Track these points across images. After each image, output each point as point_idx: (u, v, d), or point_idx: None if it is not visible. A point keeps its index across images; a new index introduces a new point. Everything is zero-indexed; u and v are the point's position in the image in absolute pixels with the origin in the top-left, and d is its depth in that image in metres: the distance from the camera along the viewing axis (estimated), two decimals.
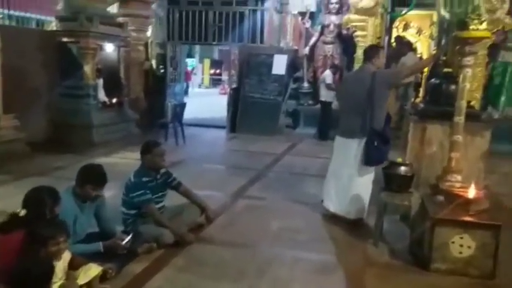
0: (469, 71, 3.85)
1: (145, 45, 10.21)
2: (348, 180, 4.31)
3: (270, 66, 9.97)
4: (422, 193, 4.02)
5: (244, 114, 9.91)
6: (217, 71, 25.60)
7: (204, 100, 17.06)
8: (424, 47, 13.87)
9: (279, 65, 9.90)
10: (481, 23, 3.65)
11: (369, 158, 4.16)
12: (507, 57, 8.79)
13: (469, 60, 3.81)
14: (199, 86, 25.67)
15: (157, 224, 3.74)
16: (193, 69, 25.40)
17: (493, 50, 8.46)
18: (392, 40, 11.04)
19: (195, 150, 8.01)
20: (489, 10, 4.49)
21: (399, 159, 3.99)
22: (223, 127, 10.09)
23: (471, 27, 3.66)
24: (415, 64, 4.31)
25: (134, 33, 9.49)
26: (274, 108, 9.82)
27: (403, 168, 3.88)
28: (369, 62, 4.33)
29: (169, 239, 3.66)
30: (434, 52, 4.69)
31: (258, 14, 10.80)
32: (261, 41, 10.92)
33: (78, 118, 7.68)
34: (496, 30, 7.66)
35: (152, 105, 9.76)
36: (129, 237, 3.40)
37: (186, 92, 16.63)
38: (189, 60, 22.66)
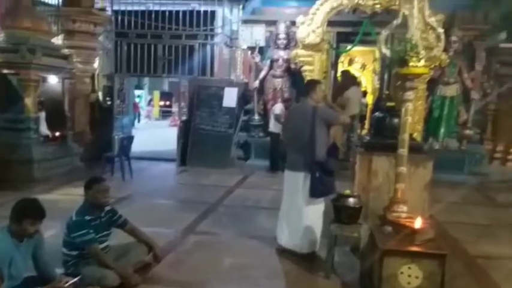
0: (410, 105, 4.02)
1: (92, 77, 9.96)
2: (298, 214, 4.35)
3: (220, 98, 10.00)
4: (371, 224, 4.08)
5: (194, 146, 9.81)
6: (167, 103, 25.35)
7: (154, 132, 16.78)
8: (368, 81, 14.51)
9: (230, 97, 9.95)
10: (419, 60, 3.84)
11: (314, 190, 4.23)
12: (444, 91, 9.32)
13: (409, 95, 3.98)
14: (149, 118, 25.39)
15: (101, 265, 3.53)
16: (150, 100, 25.00)
17: (432, 84, 9.00)
18: (339, 74, 11.49)
19: (143, 185, 7.77)
20: (426, 47, 4.73)
21: (347, 191, 4.06)
22: (173, 160, 9.90)
23: (410, 64, 3.83)
24: (344, 120, 5.11)
25: (80, 65, 9.25)
26: (225, 140, 9.80)
27: (351, 200, 3.95)
28: (308, 96, 4.52)
29: (113, 281, 3.47)
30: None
31: (208, 47, 10.90)
32: (211, 74, 10.98)
33: (18, 153, 7.27)
34: (433, 66, 8.17)
35: (98, 139, 9.45)
36: (73, 280, 3.17)
37: (138, 121, 16.39)
38: (138, 92, 22.34)
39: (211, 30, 10.83)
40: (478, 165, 9.57)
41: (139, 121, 18.68)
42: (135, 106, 19.00)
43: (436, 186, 6.58)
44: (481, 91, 10.96)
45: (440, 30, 5.09)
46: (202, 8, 10.66)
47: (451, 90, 9.27)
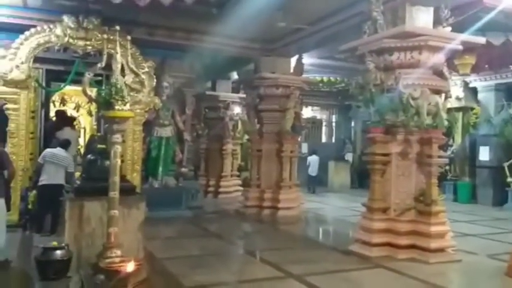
0: (119, 148, 4.02)
1: None
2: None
3: None
4: (83, 275, 3.81)
5: None
6: None
7: None
8: (86, 122, 14.04)
9: None
10: (124, 104, 3.91)
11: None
12: (160, 133, 9.85)
13: (117, 137, 3.98)
14: None
15: None
16: None
17: (148, 126, 9.38)
18: (52, 114, 10.69)
19: None
20: (135, 90, 4.84)
21: (54, 243, 3.69)
22: None
23: (116, 107, 3.86)
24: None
25: None
26: None
27: (58, 252, 3.61)
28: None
29: None
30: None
31: None
32: None
33: None
34: (148, 109, 8.55)
35: None
36: None
37: None
38: None
39: None
40: (194, 200, 10.46)
41: None
42: None
43: (156, 224, 6.77)
44: (194, 132, 12.19)
45: (144, 76, 5.34)
46: None
47: (167, 132, 9.87)
